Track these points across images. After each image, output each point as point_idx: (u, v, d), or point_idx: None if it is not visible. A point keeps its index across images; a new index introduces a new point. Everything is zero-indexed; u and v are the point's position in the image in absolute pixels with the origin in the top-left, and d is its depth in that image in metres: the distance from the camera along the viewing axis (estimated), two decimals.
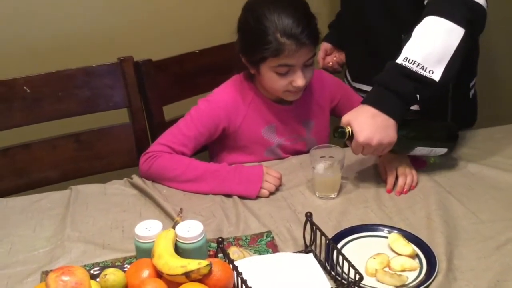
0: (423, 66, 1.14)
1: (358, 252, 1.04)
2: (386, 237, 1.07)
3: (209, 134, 1.35)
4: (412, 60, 1.14)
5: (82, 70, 1.46)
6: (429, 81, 1.15)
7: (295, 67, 1.25)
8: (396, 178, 1.28)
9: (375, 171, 1.34)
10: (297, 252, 1.05)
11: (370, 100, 1.18)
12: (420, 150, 1.26)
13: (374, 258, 1.01)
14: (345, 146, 1.33)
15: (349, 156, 1.37)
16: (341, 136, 1.17)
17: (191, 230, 0.97)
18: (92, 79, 1.47)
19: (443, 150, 1.30)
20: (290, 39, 1.21)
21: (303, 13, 1.25)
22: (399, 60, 1.16)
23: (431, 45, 1.15)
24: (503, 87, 2.26)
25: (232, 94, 1.37)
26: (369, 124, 1.15)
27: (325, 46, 1.70)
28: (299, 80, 1.26)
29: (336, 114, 1.51)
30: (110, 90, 1.49)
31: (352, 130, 1.16)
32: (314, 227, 1.02)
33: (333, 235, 1.07)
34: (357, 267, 0.91)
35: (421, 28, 1.17)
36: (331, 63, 1.72)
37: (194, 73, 1.57)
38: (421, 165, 1.34)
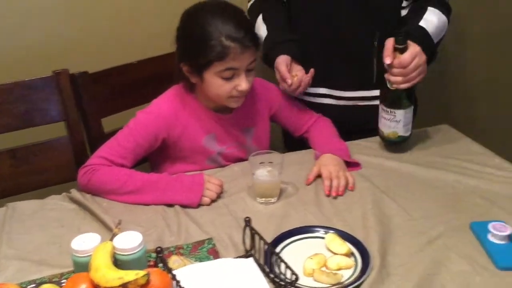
0: (432, 37, 1.40)
1: (297, 254, 1.06)
2: (324, 238, 1.10)
3: (149, 145, 1.35)
4: (428, 32, 1.39)
5: (17, 84, 1.43)
6: (433, 48, 1.42)
7: (239, 71, 1.29)
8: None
9: None
10: (237, 257, 1.06)
11: (407, 37, 1.33)
12: (410, 113, 1.38)
13: (311, 258, 1.03)
14: (286, 151, 1.36)
15: (289, 161, 1.41)
16: (402, 41, 1.30)
17: (129, 241, 0.97)
18: (27, 93, 1.44)
19: (408, 131, 1.42)
20: (234, 42, 1.24)
21: (243, 19, 1.31)
22: (422, 25, 1.40)
23: (435, 27, 1.42)
24: None
25: (171, 104, 1.37)
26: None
27: (285, 59, 1.44)
28: (244, 84, 1.29)
29: (275, 121, 1.54)
30: (46, 103, 1.46)
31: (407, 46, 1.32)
32: (252, 231, 1.04)
33: (272, 239, 1.10)
34: (295, 268, 0.94)
35: (430, 13, 1.43)
36: (307, 78, 1.44)
37: (133, 84, 1.56)
38: (355, 167, 1.39)
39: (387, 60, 1.32)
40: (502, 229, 1.08)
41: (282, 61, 1.43)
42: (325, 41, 1.53)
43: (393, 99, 1.37)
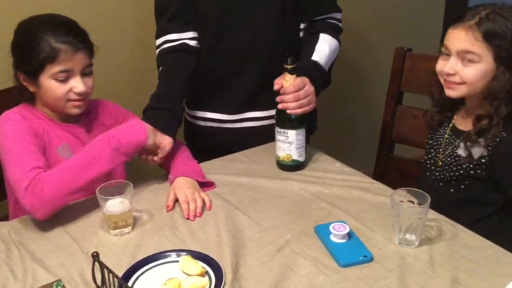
0: (324, 67, 1.58)
1: (152, 282, 1.06)
2: (178, 261, 1.11)
3: (35, 141, 1.32)
4: (320, 63, 1.56)
5: None
6: (326, 76, 1.61)
7: (74, 73, 1.33)
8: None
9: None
10: None
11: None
12: (301, 135, 1.46)
13: (165, 284, 1.03)
14: None
15: (142, 188, 1.41)
16: (291, 61, 1.39)
17: None
18: None
19: (302, 157, 1.48)
20: (64, 44, 1.30)
21: (73, 25, 1.36)
22: (314, 58, 1.56)
23: (327, 56, 1.58)
24: None
25: (20, 113, 1.36)
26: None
27: None
28: (79, 85, 1.33)
29: None
30: None
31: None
32: (102, 266, 1.01)
33: (125, 270, 1.08)
34: None
35: (322, 42, 1.59)
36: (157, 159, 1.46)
37: None
38: (210, 186, 1.42)
39: (275, 86, 1.44)
40: (341, 229, 1.17)
41: None
42: (241, 73, 1.63)
43: (285, 119, 1.44)
